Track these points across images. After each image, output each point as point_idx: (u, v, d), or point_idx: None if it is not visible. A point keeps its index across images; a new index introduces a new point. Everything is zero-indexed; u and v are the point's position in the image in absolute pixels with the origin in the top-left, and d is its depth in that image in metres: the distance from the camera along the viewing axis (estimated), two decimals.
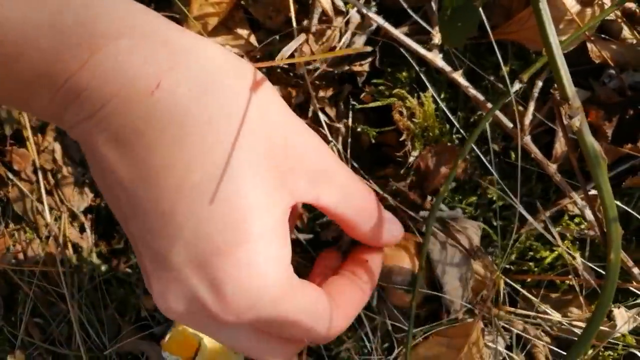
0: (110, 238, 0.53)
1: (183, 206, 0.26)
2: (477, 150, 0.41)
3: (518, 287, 0.42)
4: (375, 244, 0.37)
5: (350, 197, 0.33)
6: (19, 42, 0.23)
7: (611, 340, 0.44)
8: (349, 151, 0.44)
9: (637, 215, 0.41)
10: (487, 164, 0.41)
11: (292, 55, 0.44)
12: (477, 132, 0.35)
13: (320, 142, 0.32)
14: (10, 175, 0.54)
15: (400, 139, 0.39)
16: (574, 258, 0.42)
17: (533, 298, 0.41)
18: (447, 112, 0.41)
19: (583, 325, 0.43)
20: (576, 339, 0.44)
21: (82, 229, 0.53)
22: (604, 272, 0.40)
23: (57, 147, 0.53)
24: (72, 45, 0.24)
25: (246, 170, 0.27)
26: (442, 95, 0.42)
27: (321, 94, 0.46)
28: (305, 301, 0.31)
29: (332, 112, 0.43)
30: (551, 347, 0.43)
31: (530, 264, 0.44)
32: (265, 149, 0.28)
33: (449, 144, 0.41)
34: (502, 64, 0.38)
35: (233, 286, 0.27)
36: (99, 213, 0.53)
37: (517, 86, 0.36)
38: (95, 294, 0.52)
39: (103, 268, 0.52)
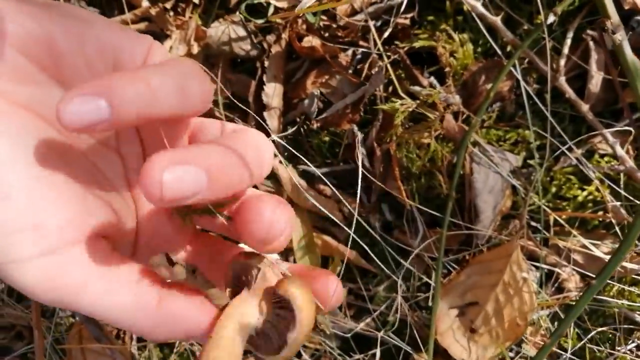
0: None
1: None
2: (517, 73, 0.44)
3: (561, 220, 0.44)
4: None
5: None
6: None
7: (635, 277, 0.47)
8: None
9: None
10: (527, 88, 0.43)
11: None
12: (521, 49, 0.38)
13: None
14: None
15: (445, 70, 0.42)
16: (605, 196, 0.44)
17: (570, 228, 0.44)
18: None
19: None
20: None
21: None
22: (633, 207, 0.43)
23: None
24: None
25: None
26: (480, 42, 0.45)
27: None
28: None
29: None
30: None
31: (564, 203, 0.46)
32: None
33: (496, 58, 0.43)
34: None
35: None
36: None
37: (551, 19, 0.38)
38: None
39: None
